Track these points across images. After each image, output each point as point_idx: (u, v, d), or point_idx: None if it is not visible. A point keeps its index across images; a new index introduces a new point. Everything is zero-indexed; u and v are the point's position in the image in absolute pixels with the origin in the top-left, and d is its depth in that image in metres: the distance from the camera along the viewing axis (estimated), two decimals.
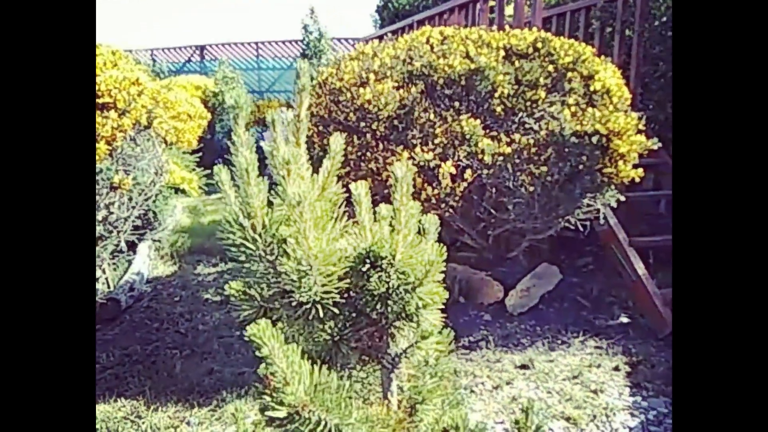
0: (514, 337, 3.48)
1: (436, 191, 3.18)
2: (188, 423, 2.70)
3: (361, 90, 3.34)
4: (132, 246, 4.94)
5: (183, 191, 7.99)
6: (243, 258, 1.12)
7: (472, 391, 2.89)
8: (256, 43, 14.30)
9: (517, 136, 3.16)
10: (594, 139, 3.02)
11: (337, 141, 1.16)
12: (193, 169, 8.42)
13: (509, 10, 4.98)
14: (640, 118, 3.17)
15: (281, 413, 0.97)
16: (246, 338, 0.94)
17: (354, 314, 1.14)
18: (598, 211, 3.39)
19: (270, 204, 1.11)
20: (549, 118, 3.18)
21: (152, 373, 3.19)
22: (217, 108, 10.73)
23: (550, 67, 3.32)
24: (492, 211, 3.57)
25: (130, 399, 2.91)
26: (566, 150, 3.06)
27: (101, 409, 2.82)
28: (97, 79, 3.67)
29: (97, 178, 3.80)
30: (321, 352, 1.20)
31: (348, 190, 1.14)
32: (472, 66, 3.23)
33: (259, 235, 1.07)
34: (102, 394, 2.95)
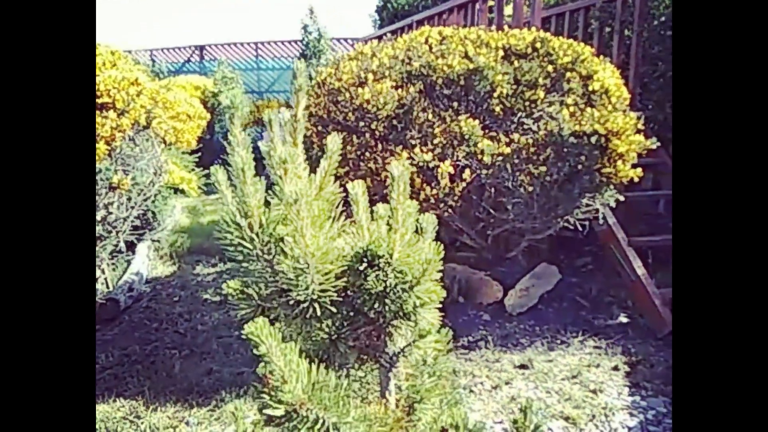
0: (514, 337, 3.48)
1: (434, 191, 3.18)
2: (187, 423, 2.70)
3: (360, 90, 3.34)
4: (131, 246, 4.93)
5: (182, 191, 8.00)
6: (240, 257, 1.13)
7: (471, 391, 2.89)
8: (256, 44, 14.29)
9: (516, 136, 3.16)
10: (593, 139, 3.02)
11: (333, 141, 1.16)
12: (193, 170, 8.43)
13: (508, 10, 4.98)
14: (638, 118, 3.17)
15: (279, 411, 0.97)
16: (243, 336, 0.94)
17: (351, 313, 1.14)
18: (597, 211, 3.39)
19: (267, 204, 1.11)
20: (548, 118, 3.19)
21: (151, 373, 3.19)
22: (216, 108, 10.73)
23: (549, 67, 3.32)
24: (491, 211, 3.57)
25: (129, 399, 2.91)
26: (565, 150, 3.06)
27: (100, 409, 2.81)
28: (96, 79, 3.67)
29: (96, 178, 3.79)
30: (319, 351, 1.20)
31: (346, 191, 1.14)
32: (471, 66, 3.23)
33: (256, 234, 1.07)
34: (101, 394, 2.95)
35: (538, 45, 3.42)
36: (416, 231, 1.12)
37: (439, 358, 1.30)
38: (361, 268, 1.07)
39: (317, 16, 12.10)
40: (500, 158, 3.12)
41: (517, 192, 3.23)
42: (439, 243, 1.11)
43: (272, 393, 0.99)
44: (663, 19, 4.49)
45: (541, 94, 3.23)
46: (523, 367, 3.10)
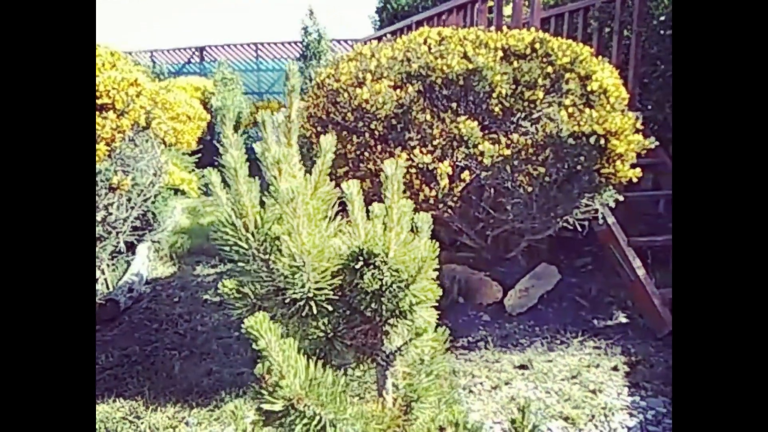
0: (513, 337, 3.48)
1: (434, 192, 3.18)
2: (187, 423, 2.71)
3: (359, 90, 3.34)
4: (131, 247, 4.94)
5: (182, 192, 8.00)
6: (236, 257, 1.13)
7: (470, 391, 2.89)
8: (256, 45, 14.29)
9: (515, 137, 3.16)
10: (591, 140, 3.02)
11: (327, 140, 1.16)
12: (192, 170, 8.43)
13: (507, 10, 4.98)
14: (637, 118, 3.17)
15: (277, 406, 0.98)
16: (243, 331, 0.95)
17: (348, 312, 1.14)
18: (597, 211, 3.39)
19: (263, 204, 1.11)
20: (546, 119, 3.19)
21: (151, 373, 3.19)
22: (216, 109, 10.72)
23: (549, 68, 3.32)
24: (490, 211, 3.57)
25: (129, 399, 2.92)
26: (564, 150, 3.06)
27: (100, 409, 2.82)
28: (96, 80, 3.68)
29: (96, 179, 3.80)
30: (316, 350, 1.20)
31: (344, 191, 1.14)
32: (470, 66, 3.23)
33: (252, 234, 1.07)
34: (101, 394, 2.96)
35: (537, 45, 3.42)
36: (412, 230, 1.12)
37: (436, 357, 1.30)
38: (357, 266, 1.07)
39: (317, 17, 12.09)
40: (500, 159, 3.12)
41: (516, 192, 3.23)
42: (434, 241, 1.11)
43: (270, 389, 0.99)
44: (662, 18, 4.49)
45: (540, 94, 3.23)
46: (522, 367, 3.10)
